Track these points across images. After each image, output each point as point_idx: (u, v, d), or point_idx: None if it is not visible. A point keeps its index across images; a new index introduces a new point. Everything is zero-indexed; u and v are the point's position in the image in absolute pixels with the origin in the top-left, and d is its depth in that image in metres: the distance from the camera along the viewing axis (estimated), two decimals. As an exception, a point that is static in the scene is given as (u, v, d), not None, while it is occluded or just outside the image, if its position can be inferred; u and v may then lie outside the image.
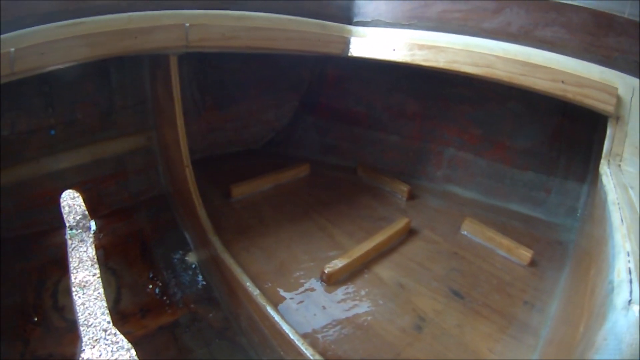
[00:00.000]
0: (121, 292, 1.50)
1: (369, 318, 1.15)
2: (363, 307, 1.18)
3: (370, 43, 1.54)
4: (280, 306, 1.17)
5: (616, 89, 1.21)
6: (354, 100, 1.74)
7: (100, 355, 1.94)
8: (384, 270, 1.32)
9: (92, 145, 1.69)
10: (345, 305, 1.19)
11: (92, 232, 1.76)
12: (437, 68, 1.41)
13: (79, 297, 2.15)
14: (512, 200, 1.73)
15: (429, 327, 1.12)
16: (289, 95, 2.17)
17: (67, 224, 1.81)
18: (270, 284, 1.25)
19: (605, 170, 1.14)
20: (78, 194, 1.77)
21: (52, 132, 1.58)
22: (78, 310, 1.56)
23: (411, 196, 1.75)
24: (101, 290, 1.96)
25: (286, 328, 1.05)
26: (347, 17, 1.66)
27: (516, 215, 1.68)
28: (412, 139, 1.94)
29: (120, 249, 1.66)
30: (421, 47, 1.41)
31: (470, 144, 1.81)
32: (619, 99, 1.22)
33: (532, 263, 1.41)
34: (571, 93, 1.25)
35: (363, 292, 1.23)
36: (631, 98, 1.22)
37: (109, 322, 2.00)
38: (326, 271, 1.25)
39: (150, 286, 1.52)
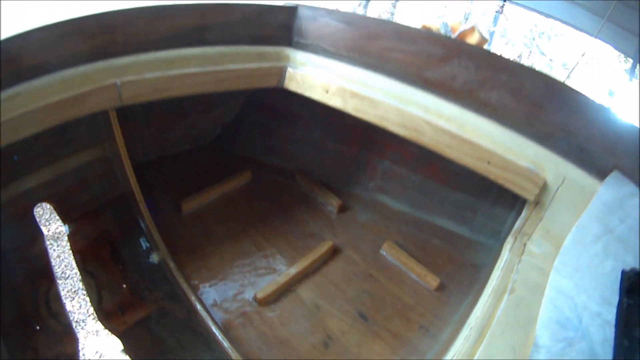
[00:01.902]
0: (101, 293, 1.81)
1: (288, 334, 1.51)
2: (285, 325, 1.54)
3: (305, 80, 1.68)
4: (221, 322, 1.52)
5: (543, 178, 1.27)
6: (298, 104, 1.84)
7: (95, 350, 2.41)
8: (305, 292, 1.66)
9: (52, 163, 1.88)
10: (271, 323, 1.54)
11: (67, 235, 2.08)
12: (367, 120, 1.54)
13: (69, 301, 2.56)
14: (439, 215, 1.96)
15: (334, 345, 1.49)
16: (236, 92, 2.32)
17: (44, 232, 2.10)
18: (214, 302, 1.59)
19: (507, 246, 1.28)
20: (48, 205, 2.00)
21: (15, 157, 1.77)
22: (70, 314, 1.86)
23: (342, 209, 2.04)
24: (84, 293, 2.30)
25: (225, 342, 1.41)
26: (286, 36, 1.76)
27: (440, 231, 1.93)
28: (351, 147, 2.16)
29: (94, 252, 1.92)
30: (353, 95, 1.56)
31: (406, 159, 2.03)
32: (544, 186, 1.28)
33: (440, 287, 1.70)
34: (494, 175, 1.34)
35: (286, 312, 1.58)
36: (558, 187, 1.27)
37: (95, 321, 2.39)
38: (258, 296, 1.60)
39: (124, 285, 1.83)
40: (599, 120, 1.26)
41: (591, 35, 4.81)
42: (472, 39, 2.71)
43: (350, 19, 1.64)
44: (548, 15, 5.44)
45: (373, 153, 2.12)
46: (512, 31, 9.42)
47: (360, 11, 8.15)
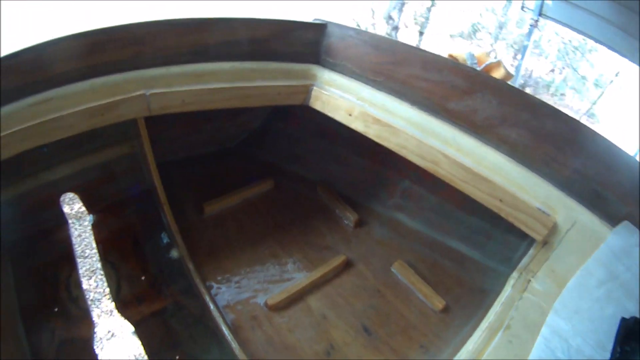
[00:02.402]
0: (120, 283, 1.91)
1: (294, 340, 1.58)
2: (292, 331, 1.61)
3: (330, 101, 1.74)
4: (231, 323, 1.61)
5: (553, 221, 1.28)
6: (325, 117, 1.88)
7: (109, 335, 2.55)
8: (314, 302, 1.73)
9: (82, 157, 1.99)
10: (279, 328, 1.62)
11: (91, 225, 2.20)
12: (387, 147, 1.59)
13: (88, 288, 2.70)
14: (453, 238, 1.99)
15: (336, 354, 1.55)
16: None
17: (69, 220, 2.24)
18: (227, 304, 1.69)
19: (510, 281, 1.30)
20: (74, 195, 2.14)
21: (45, 149, 1.93)
22: (89, 300, 1.98)
23: (358, 224, 2.09)
24: (105, 282, 2.45)
25: (233, 342, 1.50)
26: (314, 54, 1.82)
27: (453, 253, 1.95)
28: (374, 163, 2.21)
29: (116, 243, 2.03)
30: (376, 121, 1.61)
31: (425, 180, 2.05)
32: (554, 227, 1.29)
33: (445, 310, 1.74)
34: (505, 213, 1.36)
35: (294, 320, 1.65)
36: (568, 230, 1.28)
37: (113, 309, 2.54)
38: (268, 302, 1.68)
39: (143, 278, 1.92)
40: (619, 168, 1.27)
41: (623, 55, 4.73)
42: (498, 73, 2.73)
43: (378, 42, 1.68)
44: (580, 32, 5.36)
45: (394, 171, 2.16)
46: (547, 45, 9.28)
47: (395, 15, 8.16)
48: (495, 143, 1.41)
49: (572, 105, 8.75)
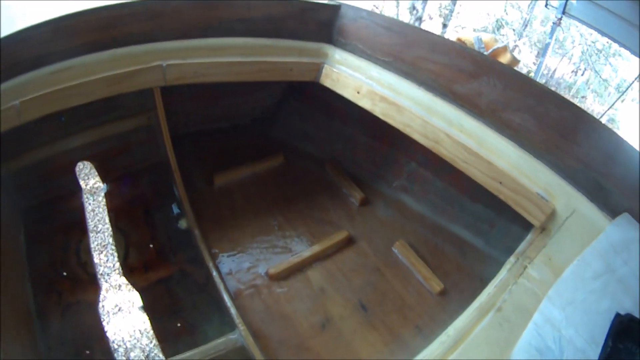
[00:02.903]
0: (129, 250, 1.99)
1: (290, 310, 1.64)
2: (289, 302, 1.67)
3: (339, 79, 1.78)
4: (232, 289, 1.67)
5: (551, 207, 1.30)
6: (337, 97, 1.92)
7: (115, 300, 2.66)
8: (314, 274, 1.78)
9: (99, 127, 2.07)
10: (278, 297, 1.68)
11: (104, 194, 2.28)
12: (392, 125, 1.63)
13: (97, 254, 2.81)
14: (456, 224, 2.02)
15: (330, 328, 1.60)
16: None
17: (83, 188, 2.33)
18: (229, 273, 1.75)
19: (507, 265, 1.32)
20: (90, 163, 2.21)
21: (62, 118, 1.93)
22: (97, 265, 2.07)
23: (364, 202, 2.13)
24: (113, 248, 2.55)
25: (232, 308, 1.56)
26: (327, 34, 1.87)
27: (455, 238, 1.98)
28: (382, 144, 2.24)
29: (127, 212, 2.12)
30: (382, 99, 1.64)
31: (432, 164, 2.08)
32: (552, 214, 1.31)
33: (442, 293, 1.77)
34: (504, 195, 1.39)
35: (293, 290, 1.71)
36: (567, 218, 1.29)
37: (120, 275, 2.63)
38: (270, 270, 1.73)
39: (151, 246, 2.01)
40: (623, 160, 1.27)
41: None
42: (504, 59, 2.74)
43: (389, 24, 1.70)
44: (603, 33, 5.28)
45: (402, 153, 2.19)
46: (571, 45, 9.14)
47: (419, 6, 8.11)
48: (498, 126, 1.43)
49: (592, 109, 8.63)
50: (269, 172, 2.26)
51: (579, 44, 8.98)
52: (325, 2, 1.85)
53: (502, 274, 1.29)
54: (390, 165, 2.24)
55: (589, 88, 9.23)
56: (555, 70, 9.45)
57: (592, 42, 8.56)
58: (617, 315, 1.06)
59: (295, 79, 1.84)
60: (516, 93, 1.41)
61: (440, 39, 1.64)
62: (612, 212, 1.25)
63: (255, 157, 2.28)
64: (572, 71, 9.39)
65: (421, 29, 1.70)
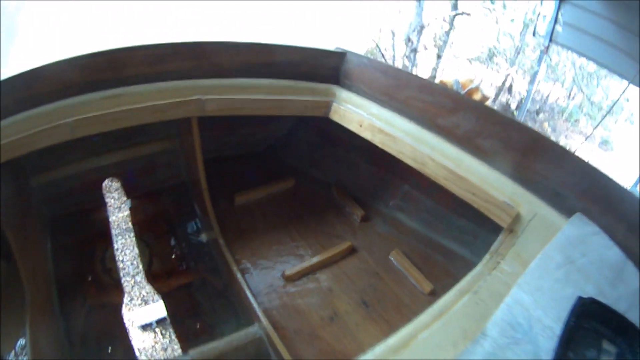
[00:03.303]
0: (152, 259, 2.27)
1: (303, 306, 1.95)
2: (302, 299, 1.98)
3: (345, 114, 2.12)
4: (254, 288, 1.98)
5: (516, 212, 1.52)
6: (341, 129, 2.21)
7: (138, 304, 2.94)
8: (323, 277, 2.09)
9: (128, 148, 2.38)
10: (293, 295, 1.99)
11: (128, 209, 2.51)
12: (388, 152, 1.95)
13: (122, 262, 3.10)
14: (445, 237, 2.29)
15: (338, 320, 1.90)
16: None
17: (108, 203, 2.56)
18: (251, 276, 2.06)
19: (482, 261, 1.48)
20: (117, 180, 2.49)
21: (94, 138, 2.10)
22: (121, 272, 2.28)
23: (364, 219, 2.45)
24: (138, 257, 2.82)
25: (254, 303, 1.86)
26: (335, 76, 2.23)
27: (444, 249, 2.25)
28: (380, 169, 2.56)
29: (151, 225, 2.41)
30: (380, 131, 1.97)
31: (422, 186, 2.38)
32: (518, 218, 1.52)
33: (432, 293, 2.04)
34: (477, 204, 1.65)
35: (305, 290, 2.02)
36: (530, 220, 1.51)
37: (144, 281, 2.89)
38: (286, 273, 2.06)
39: (173, 256, 2.29)
40: (575, 171, 1.53)
41: (631, 82, 4.97)
42: (477, 96, 3.18)
43: (386, 69, 2.07)
44: (590, 58, 5.61)
45: (397, 177, 2.50)
46: (563, 70, 9.55)
47: (414, 38, 8.58)
48: (472, 150, 1.74)
49: (585, 132, 8.98)
50: (282, 194, 2.60)
51: (570, 69, 9.38)
52: (334, 50, 2.23)
53: (478, 267, 1.49)
54: (387, 188, 2.56)
55: (582, 112, 9.60)
56: (548, 95, 9.86)
57: (581, 65, 8.93)
58: (580, 297, 1.17)
59: (309, 114, 2.18)
60: (486, 123, 1.72)
61: (426, 81, 1.99)
62: (568, 213, 1.49)
63: (269, 180, 2.63)
64: (567, 96, 9.78)
65: (411, 74, 2.04)
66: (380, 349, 1.13)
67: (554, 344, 1.08)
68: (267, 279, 2.07)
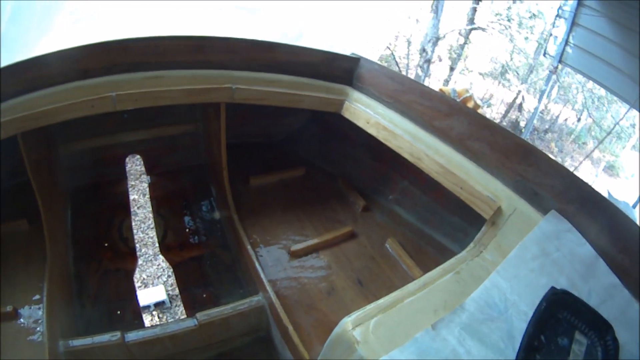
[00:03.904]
0: (167, 232, 2.52)
1: (305, 280, 2.18)
2: (305, 274, 2.22)
3: (355, 112, 2.37)
4: (262, 261, 2.22)
5: (498, 205, 1.66)
6: (350, 126, 2.44)
7: (151, 272, 3.20)
8: (325, 256, 2.33)
9: (154, 128, 2.65)
10: (296, 269, 2.23)
11: (148, 185, 2.77)
12: (390, 147, 2.17)
13: (138, 232, 3.36)
14: (438, 232, 2.49)
15: (334, 295, 2.13)
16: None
17: (130, 177, 2.80)
18: (260, 249, 2.31)
19: (467, 249, 1.61)
20: (139, 157, 2.78)
21: (125, 115, 2.32)
22: (137, 241, 2.56)
23: (365, 209, 2.68)
24: (153, 229, 3.04)
25: (262, 274, 2.10)
26: (349, 78, 2.49)
27: (436, 243, 2.44)
28: (382, 165, 2.79)
29: (168, 201, 2.67)
30: (384, 129, 2.21)
31: (420, 183, 2.59)
32: (499, 211, 1.65)
33: None
34: (463, 197, 1.81)
35: (308, 265, 2.26)
36: (510, 214, 1.64)
37: (157, 251, 3.12)
38: (291, 249, 2.30)
39: (187, 230, 2.54)
40: (553, 174, 1.69)
41: (630, 105, 5.11)
42: (470, 104, 3.51)
43: (393, 75, 2.31)
44: (596, 81, 5.74)
45: (397, 173, 2.72)
46: (574, 91, 9.72)
47: (428, 49, 8.82)
48: (463, 150, 1.94)
49: (592, 155, 9.14)
50: (293, 180, 2.87)
51: (581, 91, 9.55)
52: (349, 55, 2.49)
53: (463, 253, 1.59)
54: (388, 182, 2.79)
55: (590, 135, 9.76)
56: (558, 116, 10.05)
57: (591, 90, 9.07)
58: (553, 288, 1.24)
59: (324, 109, 2.43)
60: (476, 127, 1.92)
61: (426, 88, 2.21)
62: (545, 211, 1.65)
63: (282, 168, 2.90)
64: (577, 118, 9.94)
65: (414, 81, 2.24)
66: (370, 307, 1.31)
67: (526, 326, 1.15)
68: (274, 253, 2.32)
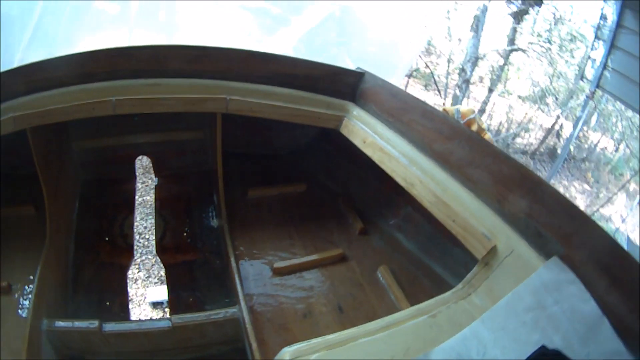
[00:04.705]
0: (166, 233, 2.49)
1: (283, 299, 2.05)
2: (284, 292, 2.10)
3: (353, 130, 2.23)
4: (243, 274, 2.13)
5: (493, 245, 1.47)
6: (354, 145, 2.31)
7: (143, 268, 3.22)
8: (308, 276, 2.19)
9: (165, 132, 2.66)
10: (276, 287, 2.12)
11: (154, 186, 2.78)
12: (383, 169, 2.03)
13: (138, 230, 3.39)
14: (437, 263, 2.29)
15: (310, 318, 1.98)
16: None
17: (137, 178, 2.83)
18: (244, 262, 2.21)
19: (453, 289, 1.46)
20: (148, 159, 2.79)
21: (135, 118, 2.38)
22: (136, 239, 2.60)
23: (363, 232, 2.51)
24: (153, 228, 3.08)
25: (239, 286, 2.00)
26: (351, 93, 2.35)
27: (434, 275, 2.24)
28: (387, 187, 2.57)
29: (171, 203, 2.64)
30: (380, 149, 2.06)
31: (425, 210, 2.21)
32: (494, 251, 1.47)
33: None
34: (455, 231, 1.66)
35: (289, 284, 2.14)
36: (506, 256, 1.45)
37: (153, 250, 3.16)
38: (275, 265, 2.19)
39: (185, 234, 2.51)
40: (562, 213, 1.46)
41: None
42: (474, 126, 3.27)
43: (396, 93, 2.16)
44: (633, 109, 5.34)
45: (402, 197, 2.50)
46: (613, 119, 9.12)
47: (467, 69, 8.51)
48: (461, 179, 1.74)
49: (629, 187, 8.56)
50: (292, 196, 2.76)
51: (620, 119, 8.96)
52: (354, 69, 2.36)
53: (446, 294, 1.46)
54: (391, 206, 2.62)
55: (627, 166, 9.14)
56: (596, 144, 9.49)
57: (630, 117, 8.46)
58: (543, 346, 1.08)
59: (322, 125, 2.32)
60: (478, 154, 1.72)
61: (429, 107, 2.03)
62: (547, 255, 1.41)
63: (285, 181, 2.80)
64: (614, 147, 9.38)
65: (418, 99, 2.06)
66: (317, 340, 1.16)
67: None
68: (257, 267, 2.21)
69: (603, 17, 5.51)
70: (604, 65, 5.10)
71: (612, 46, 4.96)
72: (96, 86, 1.90)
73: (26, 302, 1.75)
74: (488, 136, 3.74)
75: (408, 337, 1.19)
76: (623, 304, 1.23)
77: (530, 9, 9.02)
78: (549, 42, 8.80)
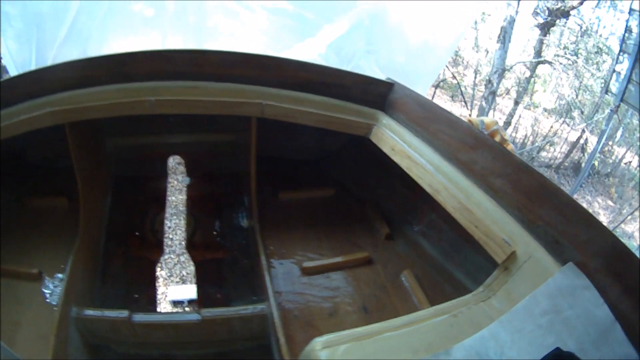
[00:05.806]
0: (196, 231, 2.57)
1: (310, 297, 2.09)
2: (311, 291, 2.14)
3: (382, 137, 2.26)
4: (272, 272, 2.20)
5: (513, 249, 1.49)
6: (385, 153, 2.31)
7: (173, 265, 3.30)
8: (335, 277, 2.23)
9: (198, 133, 2.74)
10: (304, 286, 2.16)
11: (186, 185, 2.88)
12: (412, 176, 2.05)
13: (169, 227, 3.48)
14: (459, 269, 2.27)
15: (336, 317, 2.01)
16: None
17: (169, 176, 2.92)
18: (274, 261, 2.27)
19: (474, 292, 1.55)
20: (181, 158, 2.87)
21: (170, 119, 2.46)
22: (166, 235, 2.63)
23: (388, 237, 2.54)
24: (184, 226, 3.11)
25: (269, 283, 2.07)
26: (380, 103, 2.38)
27: (456, 282, 2.23)
28: (414, 195, 2.56)
29: (202, 203, 2.73)
30: (408, 157, 2.08)
31: (449, 217, 2.21)
32: (513, 256, 1.49)
33: None
34: (477, 236, 1.69)
35: (316, 284, 2.18)
36: (525, 261, 1.46)
37: (183, 247, 3.24)
38: (303, 265, 2.24)
39: (215, 233, 2.59)
40: (578, 221, 1.47)
41: None
42: (497, 137, 3.29)
43: (423, 103, 2.18)
44: None
45: (427, 205, 2.51)
46: (638, 136, 8.85)
47: (494, 80, 8.39)
48: (484, 187, 1.76)
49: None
50: (321, 200, 2.82)
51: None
52: (384, 79, 2.40)
53: (467, 296, 1.49)
54: (416, 213, 2.63)
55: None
56: (621, 159, 9.23)
57: None
58: (558, 348, 1.10)
59: (352, 132, 2.35)
60: (500, 163, 1.74)
61: (455, 118, 2.05)
62: (564, 261, 1.42)
63: (314, 186, 2.87)
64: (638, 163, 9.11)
65: (444, 109, 2.05)
66: (345, 332, 1.20)
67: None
68: (287, 267, 2.26)
69: (628, 30, 5.40)
70: (629, 79, 4.97)
71: (636, 60, 4.84)
72: (134, 86, 1.95)
73: (56, 290, 1.79)
74: (510, 147, 3.76)
75: (430, 334, 1.23)
76: (635, 311, 1.25)
77: (557, 20, 8.90)
78: (576, 54, 8.63)
